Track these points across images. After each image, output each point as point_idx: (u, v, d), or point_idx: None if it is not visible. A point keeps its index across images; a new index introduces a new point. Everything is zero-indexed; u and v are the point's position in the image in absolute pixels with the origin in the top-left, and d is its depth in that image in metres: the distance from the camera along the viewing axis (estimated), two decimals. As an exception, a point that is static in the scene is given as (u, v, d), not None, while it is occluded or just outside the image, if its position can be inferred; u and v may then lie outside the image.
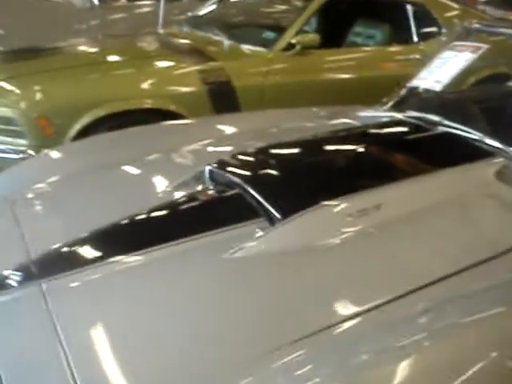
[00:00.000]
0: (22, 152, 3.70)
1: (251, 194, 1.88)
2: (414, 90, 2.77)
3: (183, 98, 3.91)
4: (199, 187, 2.08)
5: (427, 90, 2.67)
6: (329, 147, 2.31)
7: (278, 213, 1.77)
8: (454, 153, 2.16)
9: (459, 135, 2.27)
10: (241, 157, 2.19)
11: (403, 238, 1.75)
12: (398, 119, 2.52)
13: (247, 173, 2.07)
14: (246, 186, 1.93)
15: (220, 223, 1.78)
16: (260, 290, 1.55)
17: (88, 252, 1.75)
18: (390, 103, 2.78)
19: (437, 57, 2.77)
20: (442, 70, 2.73)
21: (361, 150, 2.24)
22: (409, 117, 2.54)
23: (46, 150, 2.75)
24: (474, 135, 2.24)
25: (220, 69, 4.01)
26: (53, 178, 2.29)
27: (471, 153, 2.18)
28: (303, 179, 1.99)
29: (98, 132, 3.62)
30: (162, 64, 4.10)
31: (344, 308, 1.49)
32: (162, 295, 1.56)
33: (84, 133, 3.69)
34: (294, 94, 4.05)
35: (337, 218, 1.76)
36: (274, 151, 2.24)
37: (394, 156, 2.17)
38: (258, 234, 1.73)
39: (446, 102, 2.63)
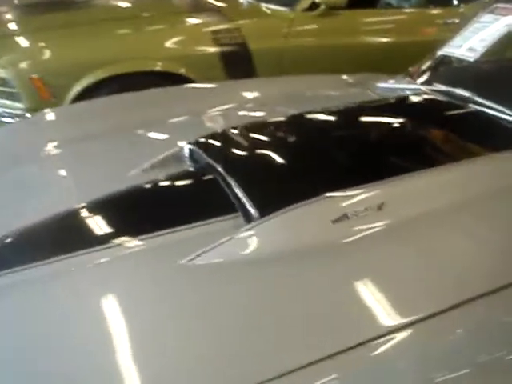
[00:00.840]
0: (18, 116, 3.42)
1: (228, 183, 1.52)
2: (444, 59, 2.36)
3: (193, 61, 3.55)
4: (175, 169, 1.72)
5: (459, 60, 2.25)
6: (333, 126, 1.93)
7: (255, 208, 1.42)
8: (484, 138, 1.76)
9: (492, 115, 1.85)
10: (227, 133, 1.84)
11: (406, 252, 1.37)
12: (422, 93, 2.13)
13: (228, 155, 1.71)
14: (224, 171, 1.57)
15: (186, 218, 1.46)
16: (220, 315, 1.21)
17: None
18: (416, 73, 2.35)
19: (474, 20, 2.33)
20: (478, 36, 2.31)
21: (372, 131, 1.86)
22: (435, 91, 2.14)
23: (44, 110, 2.46)
24: (509, 115, 1.82)
25: (236, 29, 3.64)
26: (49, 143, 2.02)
27: (506, 138, 1.76)
28: (295, 166, 1.64)
29: (99, 96, 3.25)
30: (172, 23, 3.74)
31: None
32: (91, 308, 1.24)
33: (84, 96, 3.37)
34: (316, 59, 3.68)
35: (324, 221, 1.40)
36: (267, 129, 1.87)
37: (411, 140, 1.78)
38: (226, 235, 1.40)
39: (480, 74, 2.23)
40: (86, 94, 3.36)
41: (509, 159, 1.68)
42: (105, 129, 2.06)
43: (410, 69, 2.49)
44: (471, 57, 2.23)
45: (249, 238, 1.38)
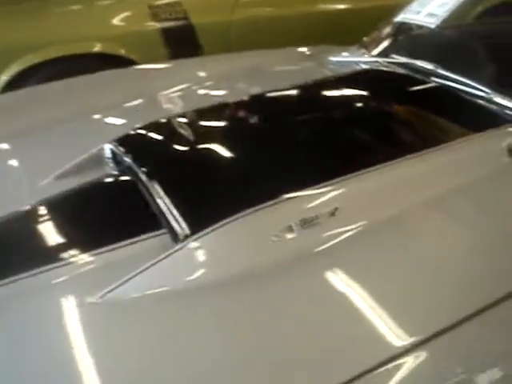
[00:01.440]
0: None
1: (150, 192, 1.24)
2: (401, 26, 2.09)
3: (133, 40, 3.22)
4: (92, 175, 1.43)
5: (419, 27, 1.97)
6: (276, 112, 1.64)
7: (183, 224, 1.14)
8: (452, 119, 1.50)
9: (459, 91, 1.59)
10: (156, 127, 1.55)
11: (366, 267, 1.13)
12: (378, 67, 1.84)
13: (153, 155, 1.43)
14: (146, 177, 1.29)
15: (97, 241, 1.18)
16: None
17: None
18: (372, 44, 2.08)
19: (434, -18, 2.06)
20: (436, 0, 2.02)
21: (321, 118, 1.58)
22: (393, 63, 1.86)
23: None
24: (480, 91, 1.56)
25: (176, 3, 3.29)
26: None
27: (475, 118, 1.51)
28: (232, 169, 1.36)
29: (29, 84, 2.95)
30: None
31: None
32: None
33: (12, 86, 3.04)
34: (266, 32, 3.37)
35: (266, 234, 1.16)
36: (200, 120, 1.58)
37: (368, 127, 1.52)
38: (146, 260, 1.13)
39: (443, 42, 1.98)
40: (15, 83, 3.00)
41: (482, 144, 1.40)
42: (34, 123, 1.76)
43: (365, 39, 2.21)
44: (432, 23, 1.97)
45: (173, 263, 1.10)
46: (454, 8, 2.02)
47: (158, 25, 3.27)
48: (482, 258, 1.15)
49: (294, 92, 1.74)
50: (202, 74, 2.13)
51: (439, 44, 1.97)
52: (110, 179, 1.44)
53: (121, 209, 1.32)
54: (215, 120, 1.64)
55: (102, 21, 3.27)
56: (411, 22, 2.06)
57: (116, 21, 3.30)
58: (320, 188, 1.23)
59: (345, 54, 2.14)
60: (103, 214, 1.31)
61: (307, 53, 2.26)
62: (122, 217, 1.29)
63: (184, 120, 1.59)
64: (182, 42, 3.30)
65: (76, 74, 2.39)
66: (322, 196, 1.22)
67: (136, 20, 3.28)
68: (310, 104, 1.69)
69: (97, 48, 3.23)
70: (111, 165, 1.52)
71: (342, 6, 3.61)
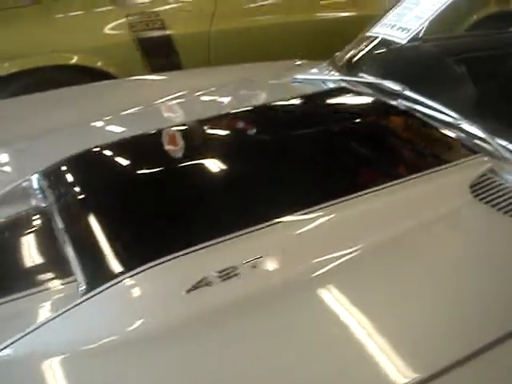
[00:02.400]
0: None
1: (62, 236, 1.11)
2: (373, 41, 1.91)
3: (110, 53, 3.09)
4: (14, 209, 1.29)
5: (390, 43, 1.81)
6: (219, 143, 1.50)
7: (85, 277, 1.00)
8: (412, 149, 1.34)
9: (425, 116, 1.44)
10: (84, 157, 1.41)
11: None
12: (342, 88, 1.69)
13: (69, 192, 1.28)
14: (60, 218, 1.14)
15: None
16: None
17: None
18: (342, 60, 1.92)
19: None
20: (412, 12, 1.86)
21: (260, 147, 1.42)
22: (360, 83, 1.70)
23: None
24: (448, 116, 1.42)
25: (153, 13, 3.15)
26: None
27: (441, 148, 1.43)
28: (148, 210, 1.21)
29: (3, 93, 2.88)
30: (85, 9, 3.22)
31: None
32: None
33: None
34: (246, 43, 3.23)
35: (174, 291, 1.04)
36: (133, 149, 1.43)
37: (317, 159, 1.38)
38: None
39: (413, 60, 1.81)
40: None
41: (441, 181, 1.28)
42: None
43: (337, 54, 2.05)
44: (403, 38, 1.81)
45: (61, 324, 0.96)
46: (429, 21, 1.85)
47: (135, 36, 3.16)
48: (448, 305, 1.01)
49: (243, 116, 1.58)
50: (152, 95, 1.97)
51: (409, 62, 1.82)
52: (33, 214, 1.29)
53: (34, 251, 1.18)
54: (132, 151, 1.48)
55: (79, 32, 3.16)
56: (383, 36, 1.89)
57: (93, 32, 3.21)
58: (247, 235, 1.07)
59: (314, 70, 1.98)
60: (13, 258, 1.17)
61: (275, 69, 2.08)
62: (33, 261, 1.15)
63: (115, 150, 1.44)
64: (160, 54, 3.18)
65: (52, 85, 2.27)
66: (245, 241, 1.06)
67: (113, 32, 3.18)
68: (256, 129, 1.53)
69: (74, 60, 3.10)
70: (38, 198, 1.38)
71: (323, 17, 3.45)
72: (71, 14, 3.27)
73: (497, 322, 0.98)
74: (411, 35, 1.83)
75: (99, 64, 3.12)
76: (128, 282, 1.02)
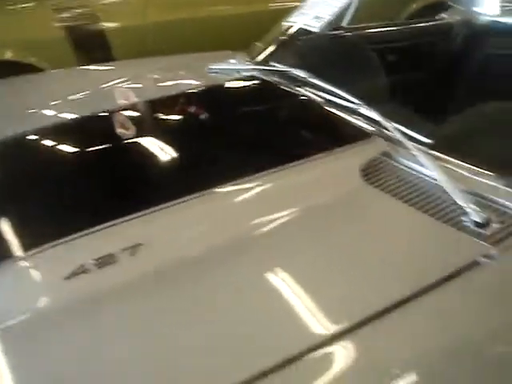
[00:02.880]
0: None
1: None
2: (288, 30, 1.92)
3: (42, 47, 3.05)
4: None
5: (303, 32, 1.82)
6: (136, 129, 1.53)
7: None
8: (309, 133, 1.35)
9: (327, 101, 1.46)
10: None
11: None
12: (252, 76, 1.69)
13: None
14: None
15: None
16: None
17: None
18: (259, 50, 1.93)
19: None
20: (326, 1, 1.88)
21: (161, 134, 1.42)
22: (270, 71, 1.71)
23: None
24: (348, 102, 1.46)
25: (84, 7, 3.11)
26: None
27: (338, 132, 1.46)
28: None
29: None
30: (12, 3, 3.18)
31: None
32: None
33: None
34: (180, 35, 3.20)
35: (52, 278, 1.03)
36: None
37: (213, 143, 1.41)
38: None
39: (320, 50, 1.84)
40: None
41: (335, 163, 1.31)
42: None
43: (260, 44, 2.06)
44: (316, 27, 1.82)
45: None
46: (344, 9, 1.87)
47: (67, 31, 3.10)
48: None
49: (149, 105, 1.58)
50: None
51: (316, 51, 1.83)
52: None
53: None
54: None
55: (12, 27, 3.09)
56: (297, 25, 1.90)
57: (26, 28, 3.15)
58: (124, 222, 1.07)
59: (232, 60, 1.98)
60: None
61: (202, 60, 2.09)
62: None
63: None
64: (92, 48, 3.14)
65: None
66: (124, 230, 1.06)
67: (45, 27, 3.11)
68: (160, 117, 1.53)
69: (7, 55, 3.04)
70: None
71: (255, 9, 3.45)
72: (6, 9, 3.21)
73: (399, 283, 1.01)
74: (324, 24, 1.83)
75: (32, 59, 3.06)
76: (9, 266, 1.02)
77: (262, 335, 0.91)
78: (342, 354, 0.89)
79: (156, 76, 1.94)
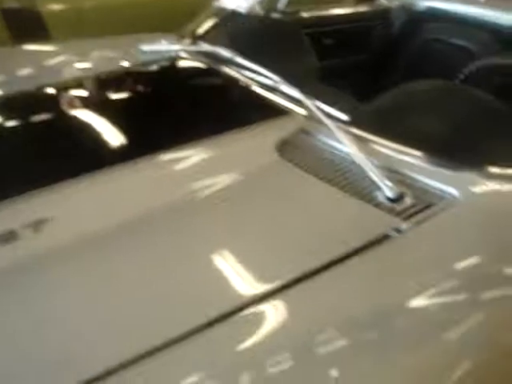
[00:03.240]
0: None
1: None
2: (218, 12, 1.90)
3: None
4: None
5: (233, 13, 1.80)
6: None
7: None
8: (227, 109, 1.34)
9: (250, 80, 1.52)
10: None
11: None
12: (179, 57, 1.67)
13: None
14: None
15: None
16: None
17: None
18: (188, 32, 1.91)
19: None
20: None
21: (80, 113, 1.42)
22: (197, 52, 1.69)
23: None
24: (269, 79, 1.48)
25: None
26: None
27: (256, 109, 1.47)
28: None
29: None
30: None
31: None
32: None
33: None
34: (119, 18, 3.13)
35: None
36: None
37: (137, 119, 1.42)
38: None
39: (246, 30, 1.80)
40: None
41: (253, 138, 1.33)
42: None
43: (189, 25, 2.03)
44: (245, 8, 1.80)
45: None
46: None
47: (1, 12, 3.00)
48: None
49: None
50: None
51: (247, 32, 1.83)
52: None
53: None
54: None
55: None
56: (227, 7, 1.88)
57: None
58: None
59: (162, 42, 1.95)
60: None
61: (127, 41, 2.05)
62: None
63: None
64: (28, 29, 3.05)
65: None
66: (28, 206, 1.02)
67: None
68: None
69: None
70: None
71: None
72: None
73: (311, 255, 1.01)
74: (253, 5, 1.82)
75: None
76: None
77: (190, 295, 0.92)
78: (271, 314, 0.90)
79: (90, 56, 1.89)
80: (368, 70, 2.42)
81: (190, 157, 1.28)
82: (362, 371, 0.81)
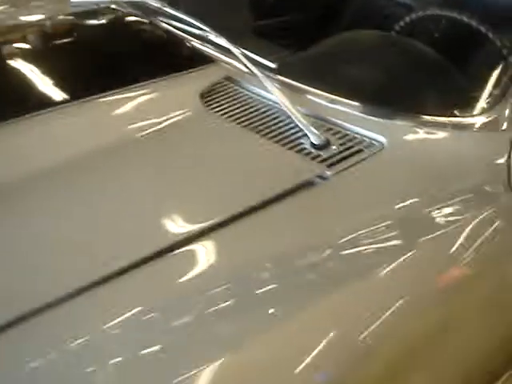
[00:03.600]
0: None
1: None
2: None
3: None
4: None
5: None
6: None
7: None
8: (151, 58, 1.30)
9: (180, 30, 1.50)
10: None
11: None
12: (107, 8, 1.61)
13: None
14: None
15: None
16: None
17: None
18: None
19: None
20: None
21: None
22: (127, 2, 1.61)
23: None
24: (199, 29, 1.45)
25: None
26: None
27: (182, 57, 1.45)
28: None
29: None
30: None
31: None
32: None
33: None
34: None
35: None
36: None
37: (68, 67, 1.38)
38: None
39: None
40: None
41: (176, 87, 1.30)
42: None
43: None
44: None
45: None
46: None
47: None
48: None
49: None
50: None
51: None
52: None
53: None
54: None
55: None
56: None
57: None
58: None
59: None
60: None
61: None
62: None
63: None
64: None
65: None
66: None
67: None
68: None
69: None
70: None
71: None
72: None
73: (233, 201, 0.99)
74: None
75: None
76: None
77: (123, 234, 0.90)
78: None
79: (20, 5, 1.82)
80: (308, 28, 2.37)
81: (111, 104, 1.24)
82: (296, 307, 0.79)
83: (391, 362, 0.82)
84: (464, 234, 0.96)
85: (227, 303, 0.80)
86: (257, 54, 1.36)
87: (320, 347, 0.75)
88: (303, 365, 0.73)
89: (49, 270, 0.85)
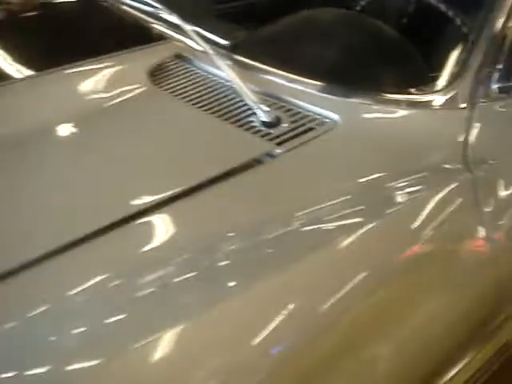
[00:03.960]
0: None
1: None
2: None
3: None
4: None
5: None
6: None
7: None
8: (99, 38, 1.29)
9: (121, 8, 1.36)
10: None
11: None
12: None
13: None
14: None
15: None
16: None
17: None
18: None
19: None
20: None
21: None
22: None
23: None
24: (150, 6, 1.42)
25: None
26: None
27: (130, 34, 1.39)
28: None
29: None
30: None
31: None
32: None
33: None
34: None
35: None
36: None
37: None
38: None
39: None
40: None
41: (125, 64, 1.26)
42: None
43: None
44: None
45: None
46: None
47: None
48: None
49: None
50: None
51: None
52: None
53: None
54: None
55: None
56: None
57: None
58: None
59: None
60: None
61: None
62: None
63: None
64: None
65: None
66: None
67: None
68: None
69: None
70: None
71: None
72: None
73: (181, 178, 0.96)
74: None
75: None
76: None
77: (80, 205, 0.88)
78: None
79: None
80: (272, 9, 2.33)
81: (56, 80, 1.19)
82: (253, 279, 0.77)
83: (351, 335, 0.79)
84: (423, 211, 0.93)
85: (189, 269, 0.78)
86: (207, 30, 1.30)
87: (278, 320, 0.73)
88: (260, 337, 0.71)
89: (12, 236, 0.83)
